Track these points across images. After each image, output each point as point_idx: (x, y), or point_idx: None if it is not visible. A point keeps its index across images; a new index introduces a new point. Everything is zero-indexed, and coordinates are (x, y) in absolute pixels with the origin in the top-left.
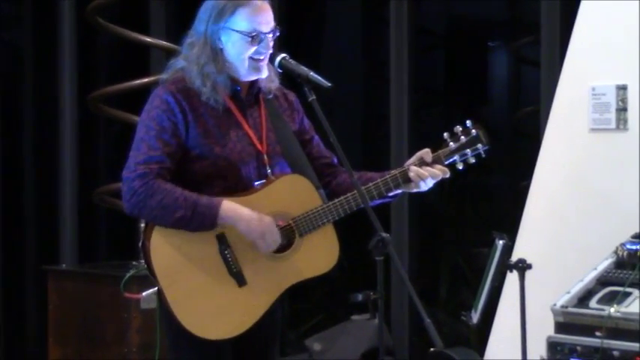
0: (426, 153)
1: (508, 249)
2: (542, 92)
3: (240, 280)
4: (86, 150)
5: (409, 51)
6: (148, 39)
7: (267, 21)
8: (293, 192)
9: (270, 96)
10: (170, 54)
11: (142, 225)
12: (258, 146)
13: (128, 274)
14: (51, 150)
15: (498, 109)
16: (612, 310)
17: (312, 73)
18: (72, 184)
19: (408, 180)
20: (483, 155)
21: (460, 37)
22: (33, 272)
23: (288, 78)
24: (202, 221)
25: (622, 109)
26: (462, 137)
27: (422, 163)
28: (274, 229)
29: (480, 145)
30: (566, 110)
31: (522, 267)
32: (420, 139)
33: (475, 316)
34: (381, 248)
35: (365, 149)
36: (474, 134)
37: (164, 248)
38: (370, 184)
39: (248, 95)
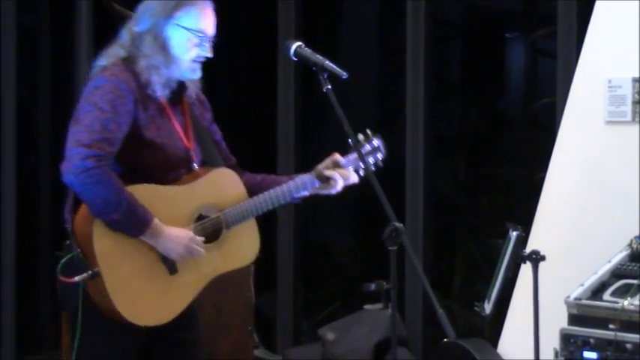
0: (337, 157)
1: (522, 240)
2: (558, 84)
3: (172, 268)
4: None
5: (426, 42)
6: None
7: (212, 25)
8: (223, 185)
9: (191, 100)
10: None
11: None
12: (186, 142)
13: (66, 258)
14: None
15: (515, 101)
16: (626, 302)
17: (327, 62)
18: None
19: (324, 180)
20: (381, 165)
21: (477, 29)
22: (47, 258)
23: (303, 67)
24: (129, 231)
25: (638, 102)
26: (366, 145)
27: (335, 165)
28: (190, 242)
29: (379, 155)
30: (582, 102)
31: (536, 258)
32: (435, 130)
33: (488, 307)
34: (395, 238)
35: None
36: (375, 144)
37: (106, 233)
38: (291, 182)
39: (176, 94)
